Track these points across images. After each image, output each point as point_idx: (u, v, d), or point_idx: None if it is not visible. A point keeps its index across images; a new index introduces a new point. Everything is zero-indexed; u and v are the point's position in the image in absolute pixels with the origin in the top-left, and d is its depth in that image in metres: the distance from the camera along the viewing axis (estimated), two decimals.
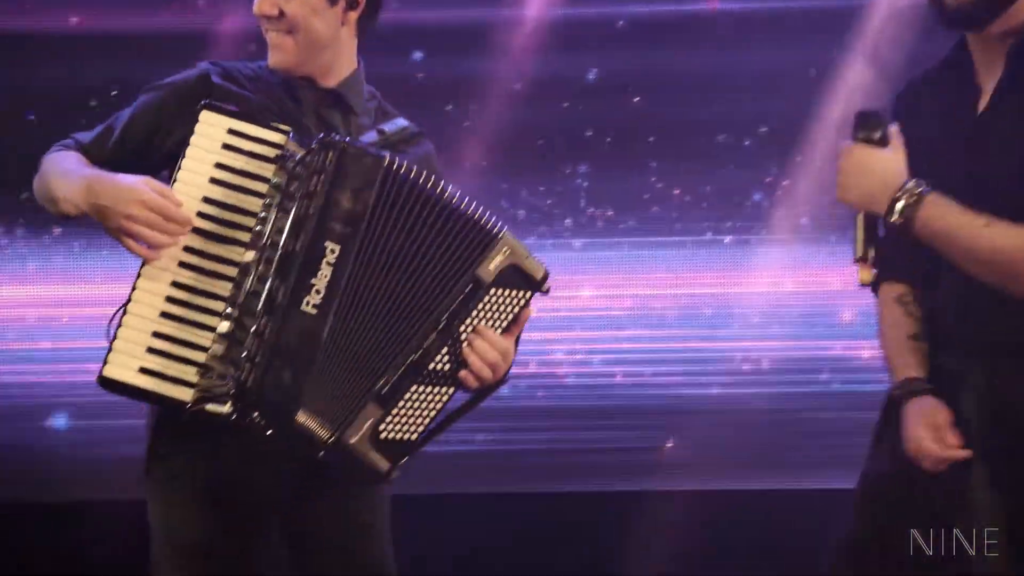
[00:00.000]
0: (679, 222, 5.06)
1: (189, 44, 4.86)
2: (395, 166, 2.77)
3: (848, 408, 4.85)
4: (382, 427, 2.77)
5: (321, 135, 2.79)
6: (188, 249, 2.77)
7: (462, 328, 2.80)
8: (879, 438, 2.95)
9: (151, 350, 2.74)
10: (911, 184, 2.68)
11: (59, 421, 5.06)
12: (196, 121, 2.79)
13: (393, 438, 2.79)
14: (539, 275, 2.82)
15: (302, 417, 2.71)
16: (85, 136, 2.98)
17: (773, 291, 5.03)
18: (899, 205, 2.67)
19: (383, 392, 2.76)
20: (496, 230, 2.81)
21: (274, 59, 2.99)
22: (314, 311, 2.70)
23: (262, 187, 2.78)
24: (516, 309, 2.83)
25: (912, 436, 2.80)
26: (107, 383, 2.74)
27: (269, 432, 2.73)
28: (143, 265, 2.77)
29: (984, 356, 2.80)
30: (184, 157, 2.79)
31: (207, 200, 2.78)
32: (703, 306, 5.08)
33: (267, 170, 2.79)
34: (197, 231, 2.77)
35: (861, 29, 4.95)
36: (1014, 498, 2.77)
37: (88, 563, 4.98)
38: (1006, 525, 2.78)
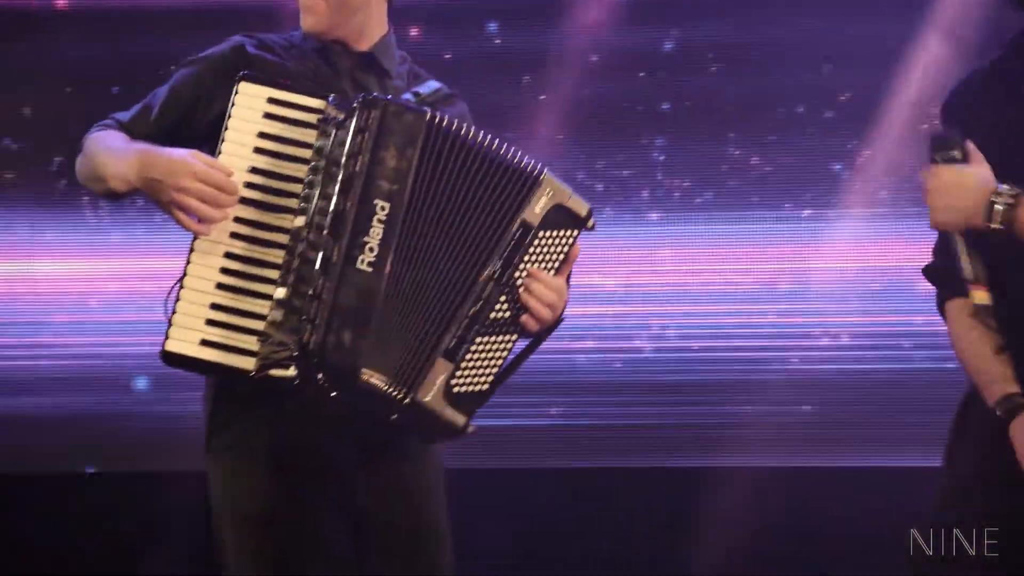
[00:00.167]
0: (756, 194, 5.00)
1: (269, 18, 4.87)
2: (437, 120, 2.79)
3: (930, 384, 4.79)
4: (453, 381, 2.79)
5: (362, 95, 2.80)
6: (238, 220, 2.79)
7: (517, 274, 2.82)
8: (959, 446, 2.88)
9: (210, 322, 2.77)
10: (1005, 188, 2.62)
11: (142, 390, 5.11)
12: (235, 93, 2.80)
13: (465, 391, 2.81)
14: (584, 212, 2.85)
15: (366, 375, 2.71)
16: (124, 115, 2.99)
17: (852, 264, 4.95)
18: (997, 209, 2.61)
19: (450, 347, 2.78)
20: (537, 172, 2.82)
21: (306, 23, 3.00)
22: (369, 268, 2.72)
23: (306, 153, 2.80)
24: (566, 248, 2.86)
25: None
26: (170, 358, 2.78)
27: (334, 394, 2.74)
28: (195, 239, 2.78)
29: None
30: (226, 129, 2.81)
31: (253, 170, 2.81)
32: (781, 279, 5.02)
33: (309, 135, 2.80)
34: (245, 201, 2.79)
35: (941, 2, 4.87)
36: None
37: (169, 531, 5.03)
38: None
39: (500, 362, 2.84)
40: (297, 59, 3.01)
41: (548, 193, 2.83)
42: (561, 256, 2.86)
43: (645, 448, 5.04)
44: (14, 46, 5.25)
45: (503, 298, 2.81)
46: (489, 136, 2.83)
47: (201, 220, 2.76)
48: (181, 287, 2.77)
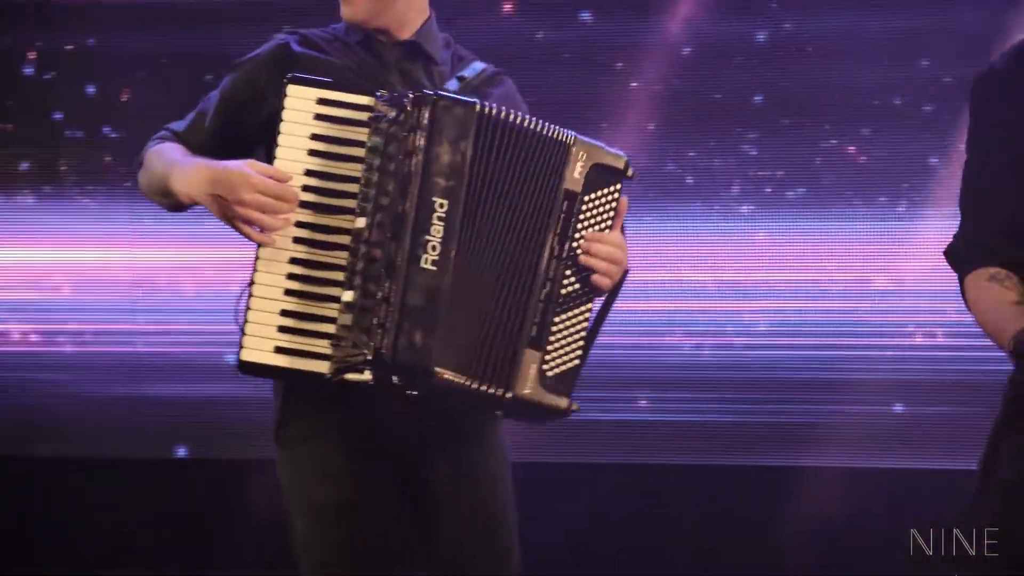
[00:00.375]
0: (850, 188, 4.91)
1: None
2: (487, 110, 2.79)
3: None
4: (546, 367, 2.81)
5: (411, 92, 2.79)
6: (300, 224, 2.80)
7: (575, 244, 2.84)
8: (1008, 433, 2.79)
9: (282, 328, 2.79)
10: None
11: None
12: (284, 96, 2.81)
13: (559, 372, 2.83)
14: (621, 164, 2.87)
15: (440, 373, 2.73)
16: (178, 125, 3.02)
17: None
18: None
19: (533, 335, 2.80)
20: (567, 139, 2.83)
21: (346, 12, 3.00)
22: (434, 267, 2.73)
23: (359, 151, 2.79)
24: (613, 204, 2.88)
25: None
26: (246, 367, 2.80)
27: (414, 392, 2.78)
28: (260, 247, 2.80)
29: None
30: (279, 134, 2.81)
31: (309, 173, 2.81)
32: (875, 276, 4.93)
33: (361, 133, 2.80)
34: (305, 204, 2.80)
35: None
36: None
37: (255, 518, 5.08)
38: None
39: (583, 332, 2.86)
40: (342, 54, 3.00)
41: (582, 157, 2.84)
42: (611, 212, 2.88)
43: (731, 445, 4.99)
44: (113, 35, 5.32)
45: (568, 272, 2.83)
46: (526, 116, 2.83)
47: (264, 230, 2.77)
48: (250, 295, 2.79)
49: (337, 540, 2.92)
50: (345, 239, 2.78)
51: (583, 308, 2.86)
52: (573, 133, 2.84)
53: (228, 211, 2.77)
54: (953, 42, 4.80)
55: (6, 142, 5.43)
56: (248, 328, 2.78)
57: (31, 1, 5.35)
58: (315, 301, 2.79)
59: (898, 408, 4.89)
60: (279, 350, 2.78)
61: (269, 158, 2.86)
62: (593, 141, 2.86)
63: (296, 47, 2.98)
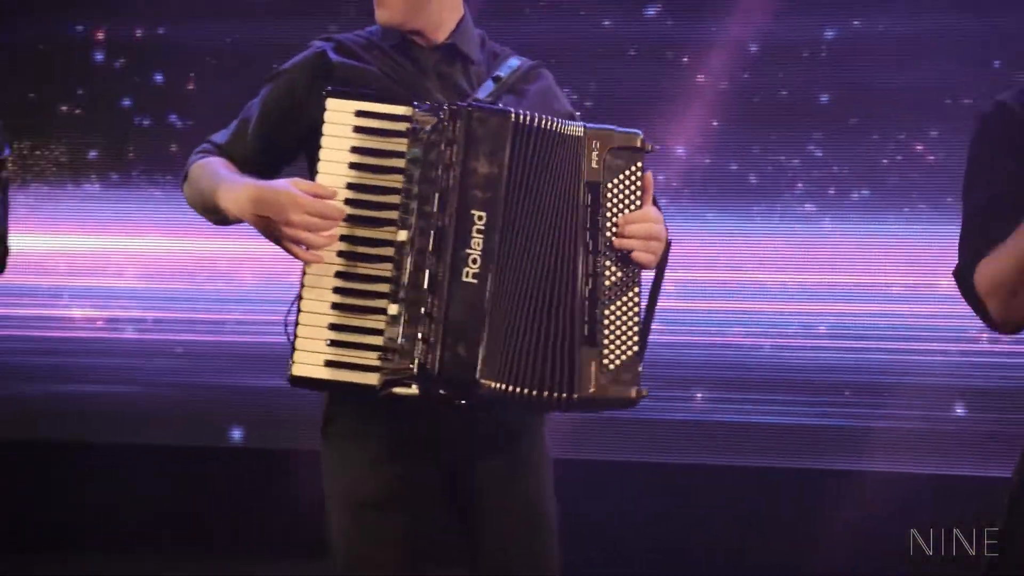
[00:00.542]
0: (916, 189, 4.85)
1: None
2: (522, 119, 2.80)
3: None
4: (605, 362, 2.81)
5: (447, 104, 2.80)
6: (343, 238, 2.82)
7: (608, 235, 2.83)
8: None
9: (331, 342, 2.81)
10: None
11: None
12: (324, 110, 2.83)
13: (620, 363, 2.82)
14: (637, 142, 2.86)
15: (487, 383, 2.74)
16: (220, 137, 3.04)
17: None
18: None
19: (586, 334, 2.80)
20: (578, 132, 2.83)
21: (381, 16, 3.00)
22: (475, 280, 2.75)
23: (399, 162, 2.81)
24: (637, 183, 2.86)
25: None
26: (297, 381, 2.82)
27: (463, 402, 2.80)
28: (306, 262, 2.83)
29: None
30: (320, 148, 2.83)
31: (351, 186, 2.83)
32: (941, 278, 4.85)
33: (401, 144, 2.82)
34: (348, 218, 2.82)
35: None
36: None
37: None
38: None
39: (637, 318, 2.85)
40: (379, 60, 3.00)
41: (596, 145, 2.83)
42: (637, 192, 2.86)
43: (787, 448, 4.95)
44: (182, 24, 5.35)
45: (608, 263, 2.83)
46: (550, 117, 2.83)
47: (310, 248, 2.80)
48: (299, 311, 2.82)
49: (375, 538, 2.92)
50: (389, 251, 2.80)
51: (631, 294, 2.85)
52: (582, 124, 2.84)
53: (275, 231, 2.79)
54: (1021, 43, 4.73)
55: (76, 129, 5.48)
56: (297, 343, 2.80)
57: None
58: (362, 314, 2.81)
59: (959, 412, 4.81)
60: (329, 364, 2.81)
61: (312, 164, 2.88)
62: (603, 127, 2.85)
63: (333, 55, 2.98)
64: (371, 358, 2.79)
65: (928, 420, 4.83)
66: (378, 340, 2.79)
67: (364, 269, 2.81)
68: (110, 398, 5.38)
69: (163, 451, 5.33)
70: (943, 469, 4.79)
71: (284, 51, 3.07)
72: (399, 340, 2.76)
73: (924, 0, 4.83)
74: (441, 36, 3.03)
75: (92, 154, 5.46)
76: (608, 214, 2.84)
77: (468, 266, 2.75)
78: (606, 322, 2.82)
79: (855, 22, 4.89)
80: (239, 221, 2.88)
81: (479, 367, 2.73)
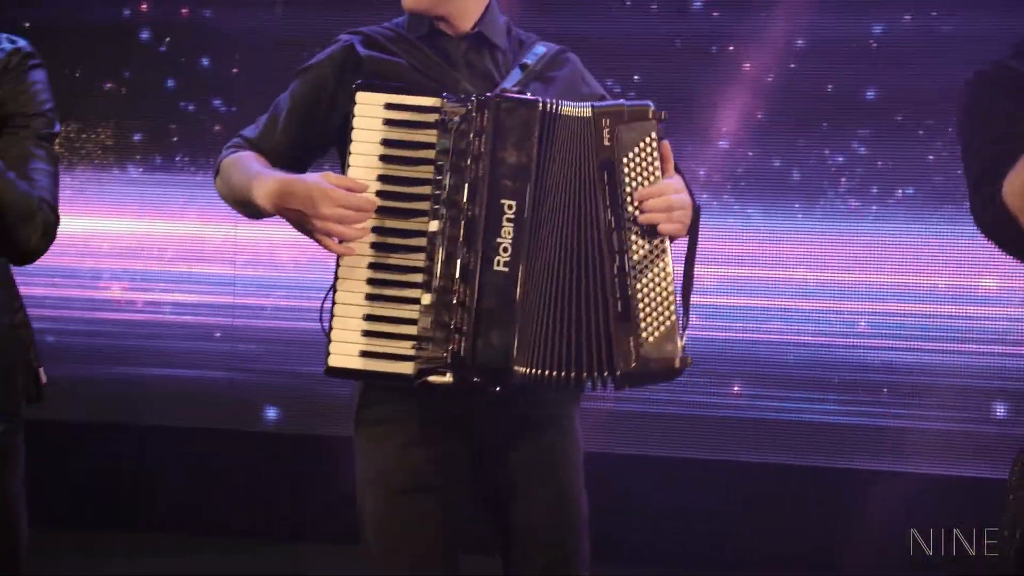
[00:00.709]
0: (961, 189, 4.78)
1: None
2: (548, 108, 2.81)
3: None
4: (644, 335, 2.81)
5: (474, 96, 2.82)
6: (375, 230, 2.83)
7: (630, 208, 2.83)
8: None
9: (366, 333, 2.82)
10: None
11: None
12: (354, 103, 2.84)
13: (659, 335, 2.82)
14: (649, 113, 2.85)
15: (521, 369, 2.76)
16: (251, 131, 3.05)
17: None
18: None
19: (619, 311, 2.81)
20: (588, 112, 2.83)
21: (407, 1, 3.00)
22: (506, 269, 2.77)
23: (429, 153, 2.83)
24: (654, 153, 2.85)
25: None
26: (334, 372, 2.84)
27: (497, 389, 2.79)
28: (339, 255, 2.85)
29: None
30: (351, 142, 2.85)
31: (381, 178, 2.84)
32: (986, 279, 4.82)
33: (431, 135, 2.83)
34: (380, 210, 2.83)
35: None
36: None
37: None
38: None
39: (672, 288, 2.85)
40: (407, 52, 3.01)
41: (605, 122, 2.84)
42: (655, 162, 2.86)
43: (823, 446, 4.93)
44: (227, 14, 5.37)
45: (633, 237, 2.83)
46: (568, 103, 2.84)
47: (343, 240, 2.82)
48: (334, 303, 2.84)
49: (408, 522, 2.93)
50: (421, 241, 2.82)
51: (661, 265, 2.84)
52: (590, 104, 2.85)
53: (308, 224, 2.81)
54: None
55: (121, 111, 5.51)
56: (333, 334, 2.82)
57: None
58: (395, 304, 2.83)
59: (1000, 414, 4.78)
60: (364, 354, 2.83)
61: (342, 158, 2.89)
62: (611, 103, 2.87)
63: (361, 49, 2.99)
64: (406, 347, 2.81)
65: (967, 421, 4.79)
66: (412, 329, 2.80)
67: (396, 260, 2.83)
68: (149, 380, 5.40)
69: (197, 433, 5.36)
70: (984, 473, 4.75)
71: (330, 39, 3.08)
72: (433, 329, 2.78)
73: (967, 1, 4.79)
74: (467, 24, 3.03)
75: (136, 136, 5.48)
76: (628, 189, 2.83)
77: (499, 255, 2.77)
78: (640, 296, 2.82)
79: (906, 16, 4.85)
80: (271, 215, 2.90)
81: (512, 354, 2.75)
